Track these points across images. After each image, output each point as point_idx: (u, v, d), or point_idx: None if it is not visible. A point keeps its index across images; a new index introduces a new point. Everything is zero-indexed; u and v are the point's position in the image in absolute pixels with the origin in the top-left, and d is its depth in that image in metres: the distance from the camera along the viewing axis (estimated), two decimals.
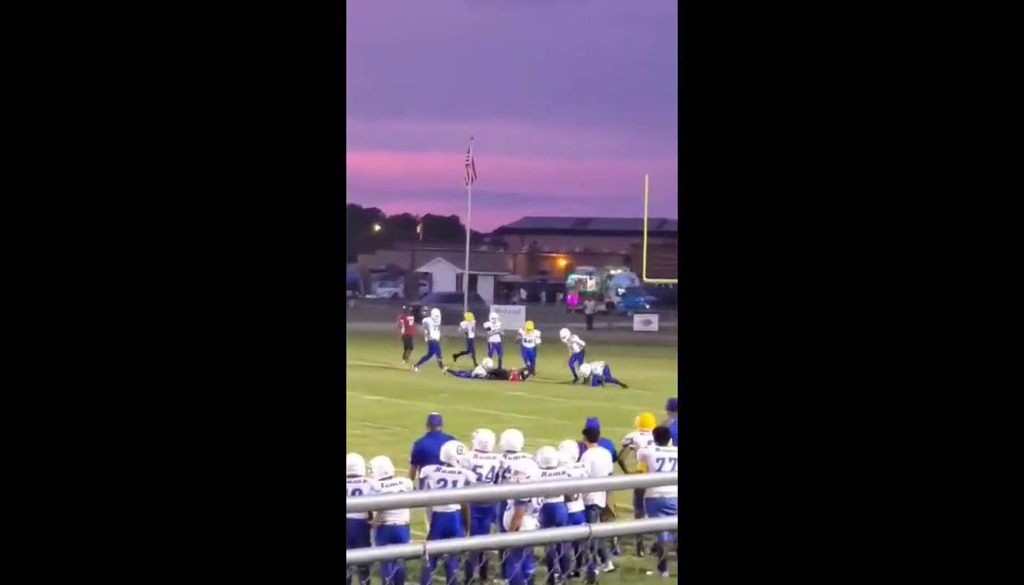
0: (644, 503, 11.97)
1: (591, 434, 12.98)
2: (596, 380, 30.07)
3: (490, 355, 33.15)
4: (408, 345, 34.50)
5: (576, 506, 11.61)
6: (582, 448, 12.60)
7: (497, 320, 35.39)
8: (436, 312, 35.77)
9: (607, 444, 13.12)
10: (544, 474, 11.37)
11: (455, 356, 33.84)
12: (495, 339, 33.66)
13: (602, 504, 12.21)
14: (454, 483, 11.06)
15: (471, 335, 34.86)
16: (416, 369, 32.73)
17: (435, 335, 33.30)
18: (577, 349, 31.24)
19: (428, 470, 11.44)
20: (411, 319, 35.50)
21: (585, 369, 30.56)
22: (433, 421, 13.39)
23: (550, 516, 11.15)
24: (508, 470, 11.69)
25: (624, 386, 29.23)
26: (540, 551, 11.21)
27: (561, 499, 11.23)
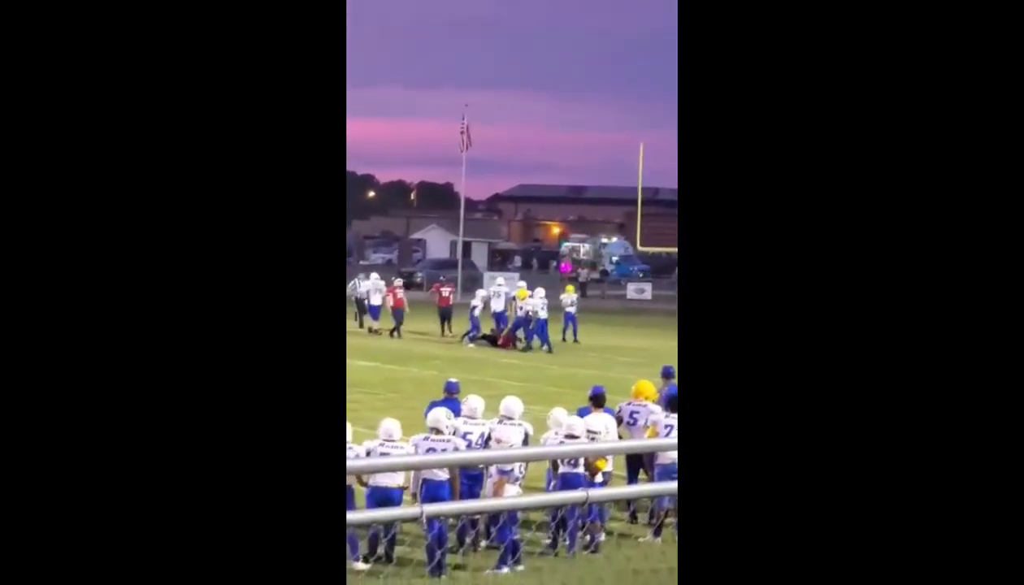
0: (655, 469, 12.06)
1: (597, 400, 13.02)
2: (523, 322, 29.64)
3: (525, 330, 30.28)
4: (445, 317, 31.98)
5: (601, 476, 11.56)
6: (586, 412, 12.64)
7: (535, 294, 30.64)
8: (501, 279, 33.13)
9: (609, 411, 13.18)
10: (562, 442, 11.12)
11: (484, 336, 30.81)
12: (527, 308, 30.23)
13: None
14: (443, 452, 10.98)
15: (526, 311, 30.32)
16: (470, 344, 30.00)
17: (499, 307, 30.76)
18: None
19: (417, 439, 11.34)
20: (445, 290, 32.82)
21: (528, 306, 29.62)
22: (451, 388, 13.82)
23: (567, 486, 10.76)
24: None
25: (516, 345, 28.95)
26: (537, 515, 11.20)
27: (580, 469, 11.07)
